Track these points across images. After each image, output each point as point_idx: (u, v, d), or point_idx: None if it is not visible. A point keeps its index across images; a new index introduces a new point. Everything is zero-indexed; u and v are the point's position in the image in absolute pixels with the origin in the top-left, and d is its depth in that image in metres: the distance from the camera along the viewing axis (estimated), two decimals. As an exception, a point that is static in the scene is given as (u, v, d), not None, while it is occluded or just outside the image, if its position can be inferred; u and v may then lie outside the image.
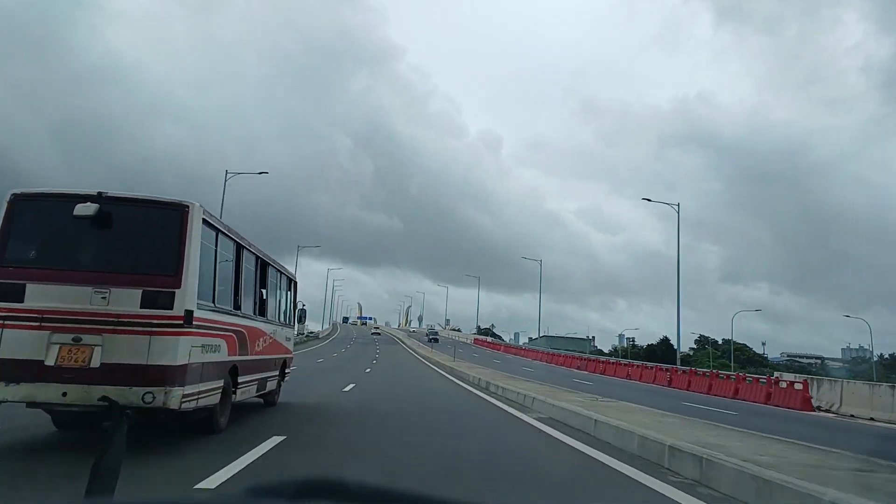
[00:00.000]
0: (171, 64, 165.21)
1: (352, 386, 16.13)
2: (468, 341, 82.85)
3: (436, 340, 74.07)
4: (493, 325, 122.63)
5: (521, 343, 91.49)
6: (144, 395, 5.34)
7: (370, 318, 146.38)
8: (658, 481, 5.52)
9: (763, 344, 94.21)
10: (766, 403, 21.70)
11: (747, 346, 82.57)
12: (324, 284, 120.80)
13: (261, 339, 8.95)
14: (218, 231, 6.99)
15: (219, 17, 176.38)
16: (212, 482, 4.71)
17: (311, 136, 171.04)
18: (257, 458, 5.87)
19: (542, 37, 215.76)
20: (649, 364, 38.85)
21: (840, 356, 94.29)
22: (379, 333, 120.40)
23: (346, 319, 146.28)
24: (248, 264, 8.41)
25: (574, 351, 65.33)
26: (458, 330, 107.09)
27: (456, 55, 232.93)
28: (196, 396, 6.06)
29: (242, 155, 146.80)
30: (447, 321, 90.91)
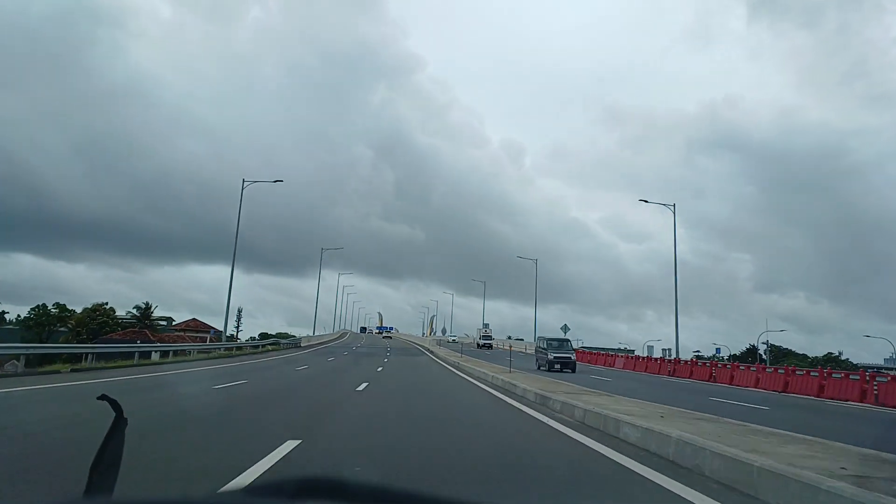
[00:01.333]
0: (190, 80, 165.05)
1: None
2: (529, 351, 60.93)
3: (489, 347, 62.74)
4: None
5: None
6: None
7: (391, 329, 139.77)
8: None
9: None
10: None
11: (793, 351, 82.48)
12: (347, 297, 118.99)
13: None
14: None
15: (238, 33, 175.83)
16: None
17: (331, 149, 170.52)
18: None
19: (563, 44, 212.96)
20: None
21: (883, 364, 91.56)
22: (390, 337, 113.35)
23: (363, 329, 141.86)
24: None
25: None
26: (520, 339, 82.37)
27: (477, 65, 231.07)
28: None
29: (262, 168, 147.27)
30: (485, 325, 75.76)
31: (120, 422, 1.46)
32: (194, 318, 79.29)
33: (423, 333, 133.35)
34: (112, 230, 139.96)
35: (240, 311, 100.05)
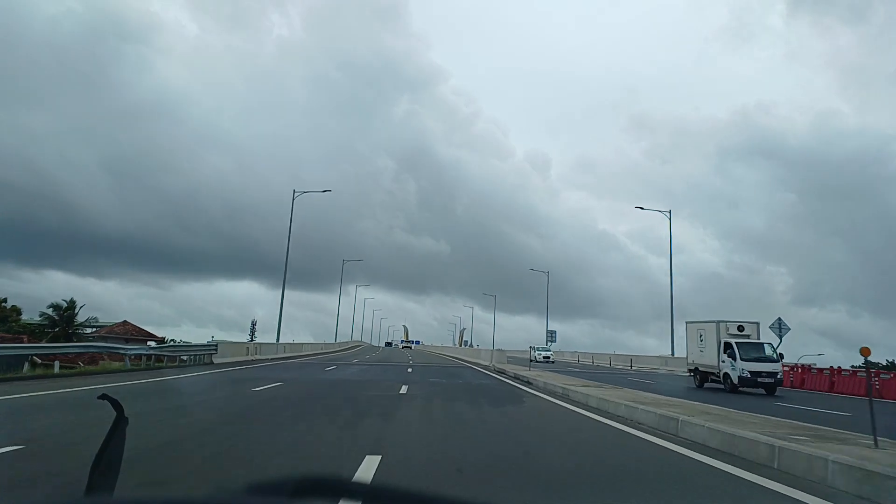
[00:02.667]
0: (217, 95, 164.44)
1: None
2: (601, 363, 53.59)
3: (549, 361, 52.16)
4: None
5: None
6: None
7: (417, 343, 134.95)
8: None
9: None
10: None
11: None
12: (371, 313, 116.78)
13: None
14: None
15: (264, 48, 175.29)
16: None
17: (355, 161, 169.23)
18: None
19: (591, 53, 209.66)
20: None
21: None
22: (410, 347, 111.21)
23: (389, 343, 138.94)
24: None
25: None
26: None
27: (501, 76, 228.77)
28: None
29: (288, 183, 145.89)
30: (551, 334, 46.31)
31: (121, 422, 1.46)
32: (125, 321, 58.68)
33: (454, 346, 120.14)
34: (140, 246, 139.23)
35: (254, 323, 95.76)
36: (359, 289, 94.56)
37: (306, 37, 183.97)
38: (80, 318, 51.31)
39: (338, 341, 73.43)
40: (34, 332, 47.50)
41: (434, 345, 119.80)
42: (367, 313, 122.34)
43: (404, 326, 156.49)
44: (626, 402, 11.95)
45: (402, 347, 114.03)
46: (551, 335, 43.47)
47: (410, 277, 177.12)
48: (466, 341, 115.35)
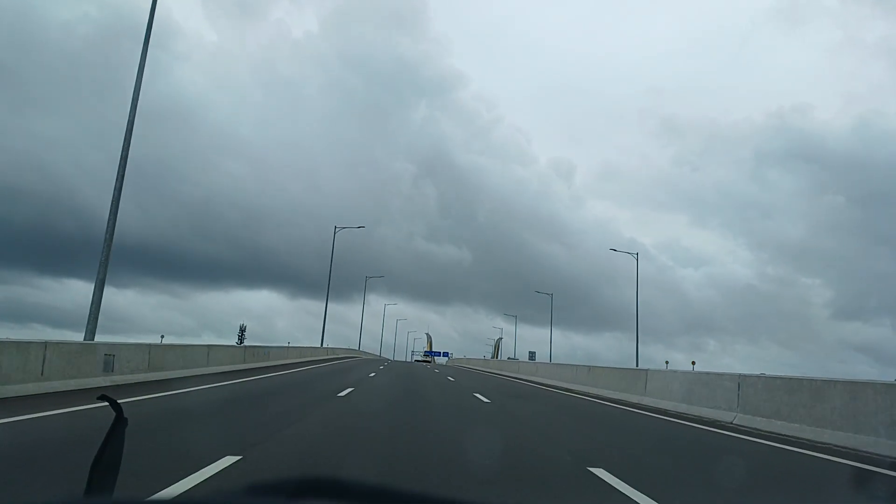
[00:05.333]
0: (234, 102, 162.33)
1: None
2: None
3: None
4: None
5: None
6: None
7: (445, 354, 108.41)
8: None
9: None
10: None
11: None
12: (397, 325, 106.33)
13: None
14: None
15: (282, 54, 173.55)
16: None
17: (374, 168, 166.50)
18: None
19: (616, 56, 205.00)
20: None
21: None
22: (429, 361, 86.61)
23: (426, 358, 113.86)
24: None
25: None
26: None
27: (523, 82, 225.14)
28: None
29: (306, 190, 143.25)
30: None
31: (120, 422, 1.46)
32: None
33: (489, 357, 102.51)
34: (157, 254, 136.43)
35: (242, 328, 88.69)
36: (374, 296, 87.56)
37: (324, 42, 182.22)
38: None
39: (325, 346, 46.62)
40: None
41: (466, 357, 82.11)
42: (390, 323, 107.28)
43: (427, 335, 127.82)
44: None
45: (418, 361, 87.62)
46: (531, 355, 43.99)
47: (431, 287, 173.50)
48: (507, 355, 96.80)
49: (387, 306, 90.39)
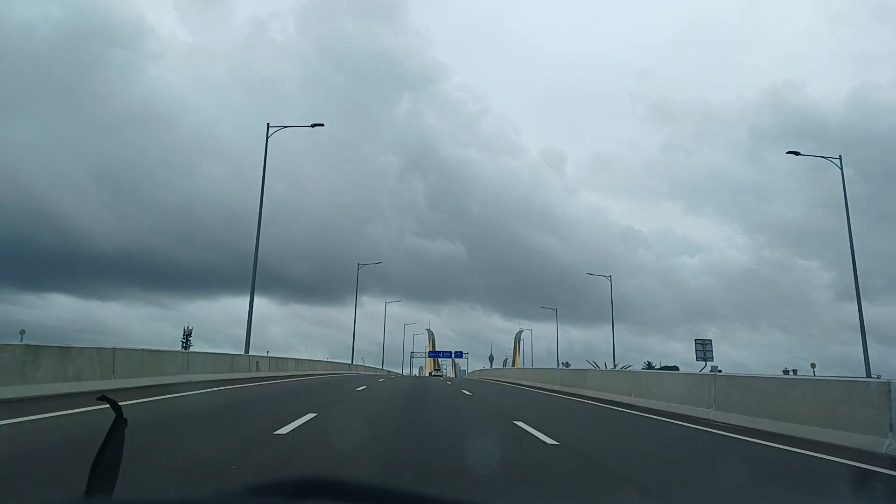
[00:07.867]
0: (212, 103, 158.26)
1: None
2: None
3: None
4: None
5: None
6: None
7: (458, 355, 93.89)
8: None
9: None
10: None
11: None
12: (395, 324, 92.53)
13: None
14: None
15: (259, 53, 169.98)
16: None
17: (361, 165, 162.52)
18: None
19: (601, 39, 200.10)
20: None
21: None
22: (441, 374, 73.38)
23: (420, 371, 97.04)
24: None
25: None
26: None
27: (510, 72, 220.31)
28: None
29: (289, 191, 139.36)
30: None
31: (120, 422, 1.46)
32: None
33: (504, 362, 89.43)
34: (140, 263, 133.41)
35: (188, 330, 71.80)
36: (369, 297, 75.90)
37: (302, 40, 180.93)
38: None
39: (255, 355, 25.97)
40: None
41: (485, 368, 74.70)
42: (389, 325, 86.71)
43: (428, 330, 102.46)
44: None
45: (432, 374, 73.43)
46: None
47: (425, 285, 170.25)
48: (492, 359, 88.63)
49: (388, 304, 75.29)
